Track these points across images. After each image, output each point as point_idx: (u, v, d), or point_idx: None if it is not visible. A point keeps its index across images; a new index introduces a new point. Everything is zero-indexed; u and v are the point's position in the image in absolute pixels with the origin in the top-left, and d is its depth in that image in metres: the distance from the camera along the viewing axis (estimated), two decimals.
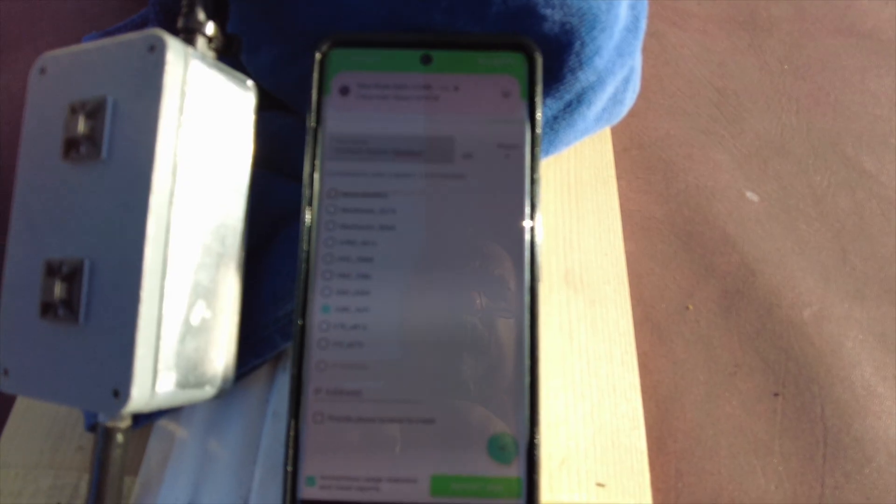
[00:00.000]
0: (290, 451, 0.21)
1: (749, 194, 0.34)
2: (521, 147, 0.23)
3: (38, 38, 0.41)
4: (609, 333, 0.28)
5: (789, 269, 0.31)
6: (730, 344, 0.29)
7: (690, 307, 0.30)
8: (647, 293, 0.30)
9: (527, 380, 0.21)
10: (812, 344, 0.29)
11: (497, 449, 0.21)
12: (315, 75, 0.23)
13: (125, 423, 0.22)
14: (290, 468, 0.21)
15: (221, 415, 0.25)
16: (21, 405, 0.26)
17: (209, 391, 0.22)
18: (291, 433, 0.21)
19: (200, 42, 0.23)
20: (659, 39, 0.40)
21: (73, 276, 0.20)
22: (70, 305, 0.20)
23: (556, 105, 0.25)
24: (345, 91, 0.23)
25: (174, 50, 0.20)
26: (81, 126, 0.21)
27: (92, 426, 0.24)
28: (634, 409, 0.26)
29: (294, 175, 0.27)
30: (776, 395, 0.28)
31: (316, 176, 0.23)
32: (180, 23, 0.23)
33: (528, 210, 0.23)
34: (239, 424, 0.25)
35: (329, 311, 0.22)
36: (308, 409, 0.21)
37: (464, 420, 0.21)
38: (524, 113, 0.23)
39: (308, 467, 0.21)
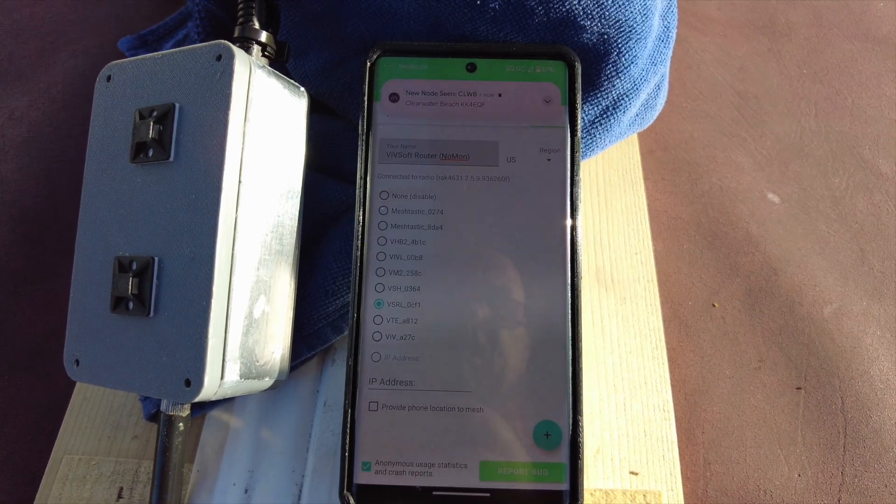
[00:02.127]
0: (347, 438, 0.22)
1: (770, 195, 0.35)
2: (562, 151, 0.24)
3: (74, 43, 0.43)
4: (639, 329, 0.29)
5: (810, 268, 0.32)
6: (754, 340, 0.30)
7: (716, 304, 0.31)
8: (674, 291, 0.32)
9: (569, 370, 0.23)
10: (832, 340, 0.30)
11: (542, 436, 0.22)
12: (365, 82, 0.25)
13: (186, 413, 0.23)
14: (346, 454, 0.22)
15: (274, 405, 0.26)
16: (78, 397, 0.28)
17: (267, 382, 0.23)
18: (348, 420, 0.22)
19: (255, 50, 0.25)
20: (681, 44, 0.41)
21: (143, 272, 0.21)
22: (141, 299, 0.21)
23: (593, 111, 0.27)
24: (394, 98, 0.25)
25: (241, 59, 0.21)
26: (151, 130, 0.22)
27: (151, 415, 0.26)
28: (665, 402, 0.27)
29: (342, 176, 0.28)
30: (798, 388, 0.29)
31: (368, 178, 0.24)
32: (236, 31, 0.25)
33: (569, 210, 0.24)
34: (291, 414, 0.26)
35: (382, 305, 0.23)
36: (363, 398, 0.23)
37: (510, 408, 0.22)
38: (565, 118, 0.24)
39: (364, 453, 0.22)
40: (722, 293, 0.31)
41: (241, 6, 0.25)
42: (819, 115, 0.38)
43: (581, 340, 0.23)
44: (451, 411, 0.22)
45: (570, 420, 0.22)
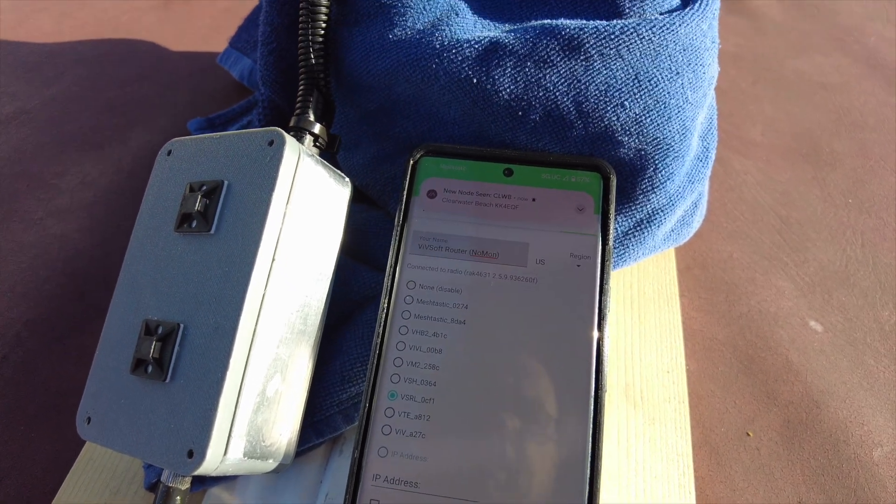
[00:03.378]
0: None
1: (812, 323, 0.33)
2: (592, 258, 0.24)
3: (150, 121, 0.46)
4: (667, 453, 0.27)
5: (857, 404, 0.30)
6: (792, 477, 0.28)
7: (751, 434, 0.29)
8: (706, 415, 0.30)
9: (586, 490, 0.21)
10: (884, 488, 0.27)
11: None
12: (406, 178, 0.26)
13: (185, 486, 0.22)
14: None
15: (275, 490, 0.25)
16: (85, 456, 0.27)
17: (271, 464, 0.23)
18: None
19: (308, 139, 0.26)
20: (723, 165, 0.42)
21: (167, 337, 0.22)
22: (160, 364, 0.21)
23: (627, 223, 0.27)
24: (432, 194, 0.25)
25: (291, 146, 0.23)
26: (197, 203, 0.23)
27: (152, 485, 0.25)
28: None
29: (373, 264, 0.28)
30: None
31: (398, 267, 0.24)
32: (292, 121, 0.26)
33: (596, 319, 0.23)
34: (291, 502, 0.25)
35: (395, 397, 0.23)
36: (364, 495, 0.21)
37: None
38: (597, 227, 0.25)
39: None
40: (757, 422, 0.30)
41: (299, 99, 0.26)
42: (866, 245, 0.37)
43: (601, 458, 0.22)
44: None
45: None
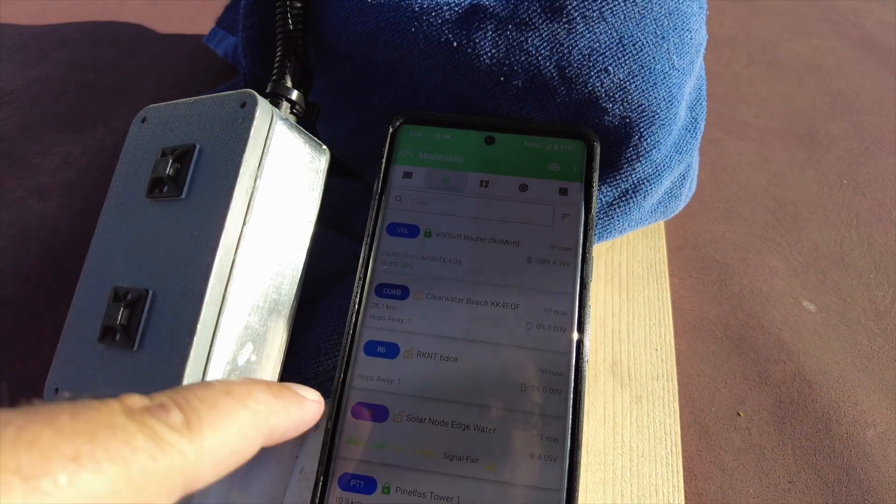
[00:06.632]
0: None
1: (806, 303, 0.33)
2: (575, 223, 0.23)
3: (135, 103, 0.46)
4: (654, 431, 0.26)
5: (850, 384, 0.29)
6: (783, 457, 0.27)
7: (741, 413, 0.29)
8: (695, 394, 0.29)
9: (567, 459, 0.20)
10: (877, 467, 0.27)
11: None
12: (386, 146, 0.25)
13: None
14: None
15: (248, 465, 0.24)
16: None
17: None
18: (318, 492, 0.20)
19: (284, 106, 0.25)
20: (716, 146, 0.41)
21: (136, 304, 0.21)
22: (128, 331, 0.21)
23: (612, 192, 0.26)
24: (408, 174, 0.25)
25: (263, 108, 0.22)
26: (168, 167, 0.22)
27: None
28: None
29: (353, 235, 0.28)
30: None
31: (376, 236, 0.24)
32: (269, 87, 0.26)
33: (578, 287, 0.23)
34: (265, 477, 0.24)
35: None
36: (338, 466, 0.21)
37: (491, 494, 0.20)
38: (580, 196, 0.24)
39: None
40: (748, 401, 0.29)
41: (276, 65, 0.26)
42: (861, 225, 0.36)
43: (582, 429, 0.21)
44: (424, 499, 0.20)
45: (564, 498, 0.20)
